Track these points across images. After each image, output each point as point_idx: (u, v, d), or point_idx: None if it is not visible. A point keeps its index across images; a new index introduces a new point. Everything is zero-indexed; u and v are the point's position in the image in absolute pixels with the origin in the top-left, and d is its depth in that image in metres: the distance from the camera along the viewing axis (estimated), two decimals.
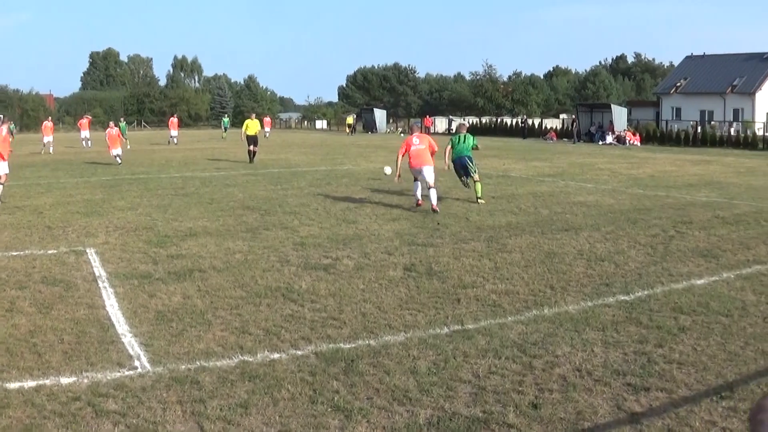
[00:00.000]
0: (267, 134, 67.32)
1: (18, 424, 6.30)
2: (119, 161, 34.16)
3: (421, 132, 20.48)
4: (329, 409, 6.59)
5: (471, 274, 11.70)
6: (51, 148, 47.28)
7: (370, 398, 6.84)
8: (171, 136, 58.02)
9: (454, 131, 24.29)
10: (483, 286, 10.94)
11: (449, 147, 21.32)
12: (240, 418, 6.43)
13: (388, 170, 22.27)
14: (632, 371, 7.45)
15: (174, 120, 60.57)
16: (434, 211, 18.13)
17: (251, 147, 36.48)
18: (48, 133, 48.32)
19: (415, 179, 19.50)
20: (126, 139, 45.57)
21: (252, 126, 37.08)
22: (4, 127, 22.80)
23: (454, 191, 22.51)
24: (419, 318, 9.34)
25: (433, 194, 18.57)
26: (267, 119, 76.36)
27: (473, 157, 21.22)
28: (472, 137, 21.61)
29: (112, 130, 35.07)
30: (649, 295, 10.39)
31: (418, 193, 19.26)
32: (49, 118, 56.02)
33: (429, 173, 18.96)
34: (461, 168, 21.19)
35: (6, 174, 21.60)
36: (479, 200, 20.39)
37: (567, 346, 8.24)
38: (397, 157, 19.94)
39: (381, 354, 7.99)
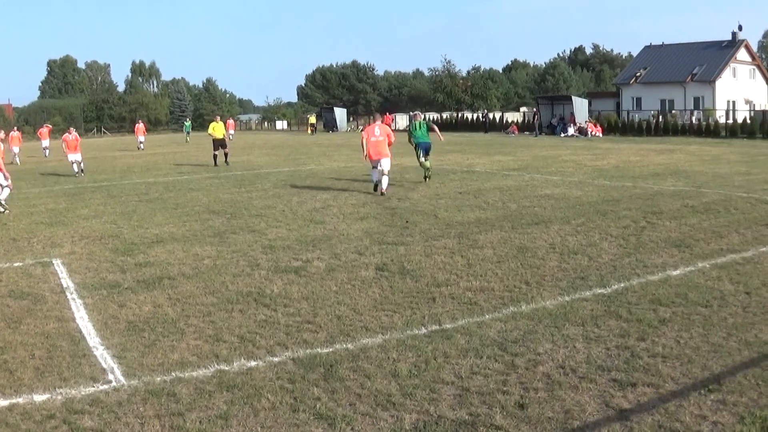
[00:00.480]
0: (231, 136, 66.98)
1: None
2: (76, 169, 33.19)
3: (382, 123, 23.62)
4: (312, 417, 6.47)
5: (444, 271, 11.62)
6: (18, 159, 46.38)
7: (352, 404, 6.72)
8: (139, 142, 57.34)
9: (409, 120, 27.33)
10: (457, 283, 10.86)
11: (409, 133, 25.46)
12: (220, 431, 6.29)
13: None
14: (616, 366, 7.39)
15: (140, 126, 60.08)
16: (382, 193, 21.58)
17: (219, 150, 36.33)
18: (16, 144, 47.47)
19: (374, 167, 22.31)
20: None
21: (218, 129, 36.76)
22: None
23: (420, 187, 22.44)
24: (396, 319, 9.24)
25: (385, 180, 21.91)
26: (231, 122, 76.07)
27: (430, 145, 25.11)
28: (425, 123, 25.53)
29: (70, 135, 34.35)
30: (626, 288, 10.35)
31: (375, 178, 22.38)
32: (15, 128, 54.85)
33: (386, 163, 22.06)
34: (424, 150, 24.67)
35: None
36: (427, 177, 24.85)
37: (548, 343, 8.17)
38: (362, 142, 22.69)
39: (360, 357, 7.88)
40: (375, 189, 22.19)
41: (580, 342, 8.20)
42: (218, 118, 38.70)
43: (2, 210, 20.36)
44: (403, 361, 7.71)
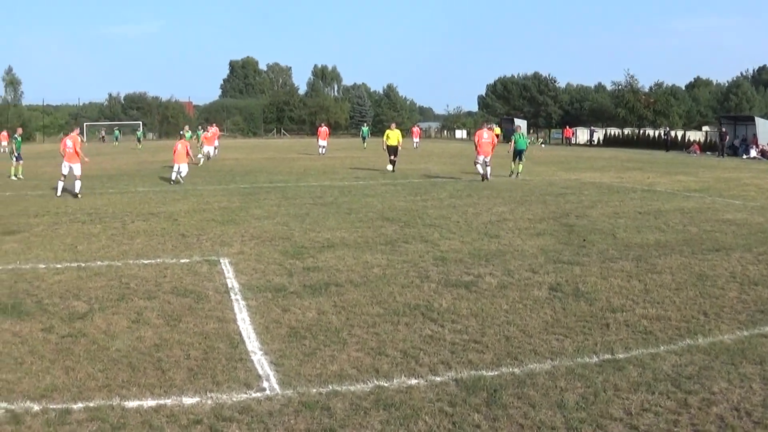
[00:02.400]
0: (417, 145, 67.52)
1: None
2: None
3: (490, 129, 33.57)
4: None
5: (620, 296, 11.04)
6: (216, 152, 47.32)
7: None
8: (320, 146, 56.81)
9: (514, 131, 36.97)
10: (633, 310, 10.31)
11: (513, 140, 34.65)
12: None
13: (389, 167, 35.63)
14: None
15: (323, 129, 59.20)
16: (486, 178, 30.60)
17: (392, 157, 36.58)
18: (210, 143, 46.56)
19: (479, 162, 30.93)
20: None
21: (393, 136, 37.18)
22: (75, 135, 27.63)
23: (599, 205, 21.72)
24: (566, 344, 8.79)
25: (488, 169, 30.97)
26: (416, 129, 76.60)
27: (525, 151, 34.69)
28: (524, 137, 35.65)
29: (208, 132, 34.88)
30: None
31: (481, 171, 30.89)
32: (213, 124, 55.34)
33: (489, 159, 30.90)
34: (517, 154, 33.72)
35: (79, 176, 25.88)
36: (514, 174, 33.48)
37: (724, 382, 7.57)
38: (475, 142, 31.84)
39: (526, 384, 7.48)
40: (483, 179, 30.55)
41: (756, 382, 7.57)
42: (393, 125, 38.96)
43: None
44: (570, 391, 7.27)
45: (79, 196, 24.99)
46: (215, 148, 47.98)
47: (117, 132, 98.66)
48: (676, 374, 7.80)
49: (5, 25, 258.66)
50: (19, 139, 34.30)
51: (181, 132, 39.19)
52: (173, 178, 31.00)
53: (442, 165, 42.54)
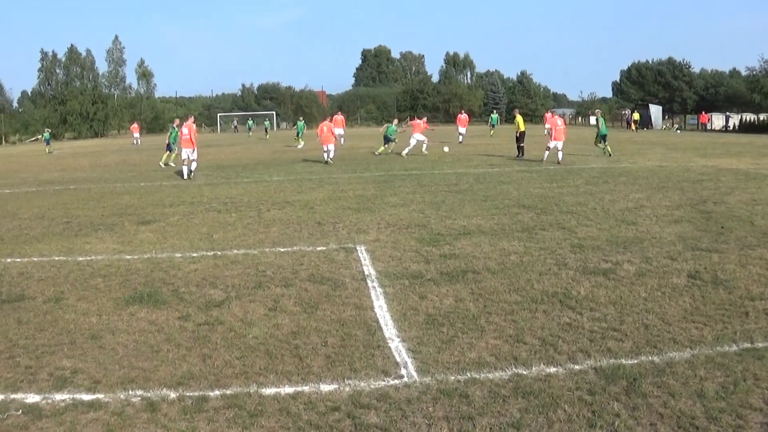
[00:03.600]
0: (547, 131, 66.71)
1: None
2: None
3: (560, 117, 37.76)
4: None
5: (759, 284, 10.64)
6: (341, 140, 49.51)
7: (653, 424, 6.20)
8: (459, 133, 56.44)
9: (596, 119, 40.50)
10: None
11: (599, 125, 37.77)
12: None
13: (446, 149, 40.77)
14: None
15: (463, 116, 58.64)
16: (559, 163, 32.88)
17: (520, 144, 37.38)
18: (339, 125, 50.19)
19: (548, 149, 34.58)
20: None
21: (521, 122, 38.23)
22: (191, 123, 31.15)
23: (736, 192, 21.02)
24: (705, 332, 8.54)
25: (561, 155, 33.79)
26: (547, 116, 75.52)
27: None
28: (603, 122, 38.07)
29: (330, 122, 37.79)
30: None
31: (546, 155, 34.30)
32: (339, 112, 57.44)
33: (561, 145, 34.19)
34: (602, 138, 36.98)
35: (195, 159, 30.31)
36: (608, 153, 36.73)
37: None
38: (551, 128, 35.48)
39: (665, 373, 7.29)
40: (557, 162, 33.15)
41: None
42: (516, 111, 40.09)
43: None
44: (710, 381, 7.06)
45: (191, 177, 29.60)
46: (341, 136, 50.52)
47: (251, 122, 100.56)
48: None
49: (138, 17, 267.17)
50: (176, 129, 36.80)
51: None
52: (325, 159, 35.35)
53: (575, 152, 41.93)
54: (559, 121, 35.21)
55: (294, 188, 24.15)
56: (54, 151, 61.88)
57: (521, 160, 35.30)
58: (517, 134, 38.34)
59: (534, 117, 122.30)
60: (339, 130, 52.85)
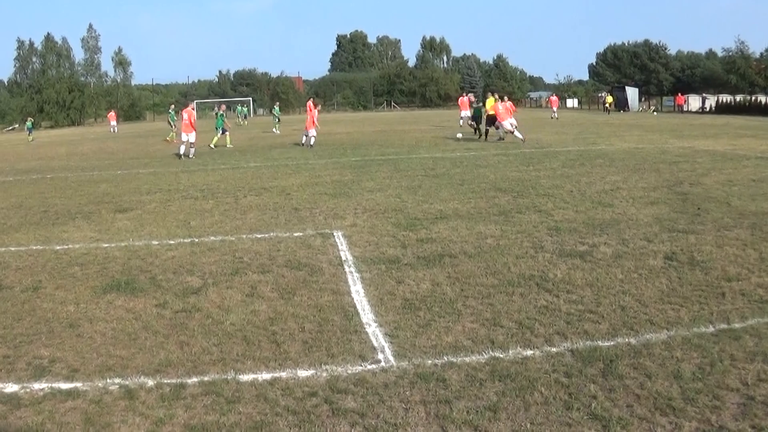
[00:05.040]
0: (554, 116, 66.36)
1: (248, 421, 6.10)
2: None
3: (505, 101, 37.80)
4: (585, 417, 6.02)
5: (735, 265, 10.69)
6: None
7: (630, 406, 6.21)
8: (461, 117, 54.54)
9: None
10: (749, 279, 9.96)
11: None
12: (488, 423, 5.95)
13: (459, 135, 41.49)
14: None
15: (464, 99, 57.05)
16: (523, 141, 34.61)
17: (490, 126, 38.00)
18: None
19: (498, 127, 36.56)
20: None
21: (489, 104, 38.46)
22: (191, 110, 34.72)
23: (712, 173, 21.13)
24: (682, 314, 8.57)
25: (519, 134, 35.12)
26: (553, 99, 75.65)
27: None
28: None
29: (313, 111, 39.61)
30: None
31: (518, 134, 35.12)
32: (311, 99, 57.54)
33: (508, 124, 35.38)
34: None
35: (193, 143, 32.78)
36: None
37: None
38: (498, 109, 36.06)
39: (642, 354, 7.31)
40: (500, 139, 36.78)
41: None
42: (490, 94, 39.98)
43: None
44: (687, 362, 7.09)
45: (189, 157, 32.38)
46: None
47: (243, 108, 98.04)
48: None
49: (114, 6, 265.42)
50: (171, 112, 47.37)
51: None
52: (303, 142, 37.67)
53: (553, 135, 42.02)
54: (500, 106, 36.53)
55: (271, 174, 24.08)
56: (33, 139, 61.61)
57: (491, 143, 35.74)
58: (486, 116, 38.64)
59: (515, 101, 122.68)
60: (465, 113, 53.08)
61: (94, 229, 15.10)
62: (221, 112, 41.84)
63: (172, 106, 51.02)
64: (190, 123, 32.72)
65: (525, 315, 8.62)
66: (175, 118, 46.87)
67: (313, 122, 37.74)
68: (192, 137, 32.69)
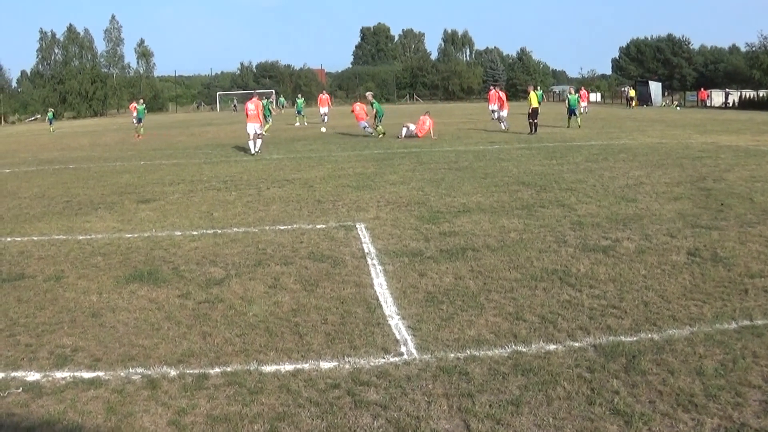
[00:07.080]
0: (586, 109, 64.77)
1: (270, 412, 6.10)
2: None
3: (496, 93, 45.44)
4: (607, 413, 5.99)
5: (758, 261, 10.61)
6: (326, 119, 50.54)
7: (652, 402, 6.18)
8: (491, 110, 53.05)
9: (570, 94, 46.85)
10: None
11: (567, 101, 44.75)
12: (510, 417, 5.93)
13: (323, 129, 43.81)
14: None
15: (493, 93, 54.25)
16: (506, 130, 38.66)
17: (532, 120, 37.55)
18: (324, 105, 52.45)
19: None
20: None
21: (534, 99, 37.84)
22: (257, 101, 32.40)
23: (736, 168, 21.00)
24: (705, 310, 8.52)
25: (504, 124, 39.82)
26: (583, 92, 75.36)
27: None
28: (576, 98, 44.60)
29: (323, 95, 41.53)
30: None
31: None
32: (324, 90, 57.98)
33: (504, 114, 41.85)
34: (570, 112, 43.25)
35: (260, 133, 31.12)
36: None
37: None
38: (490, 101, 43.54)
39: (665, 350, 7.28)
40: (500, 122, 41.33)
41: None
42: (531, 88, 39.41)
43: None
44: (709, 358, 7.05)
45: (256, 152, 30.01)
46: (325, 114, 52.73)
47: (281, 99, 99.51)
48: None
49: None
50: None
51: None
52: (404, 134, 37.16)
53: (577, 129, 41.86)
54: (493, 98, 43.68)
55: (294, 166, 24.14)
56: (54, 130, 61.92)
57: (529, 136, 35.50)
58: (530, 110, 38.19)
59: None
60: (324, 109, 53.28)
61: (117, 219, 15.18)
62: (270, 101, 42.50)
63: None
64: (258, 114, 31.04)
65: (548, 309, 8.60)
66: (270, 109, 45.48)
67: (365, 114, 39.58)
68: (260, 128, 31.32)
